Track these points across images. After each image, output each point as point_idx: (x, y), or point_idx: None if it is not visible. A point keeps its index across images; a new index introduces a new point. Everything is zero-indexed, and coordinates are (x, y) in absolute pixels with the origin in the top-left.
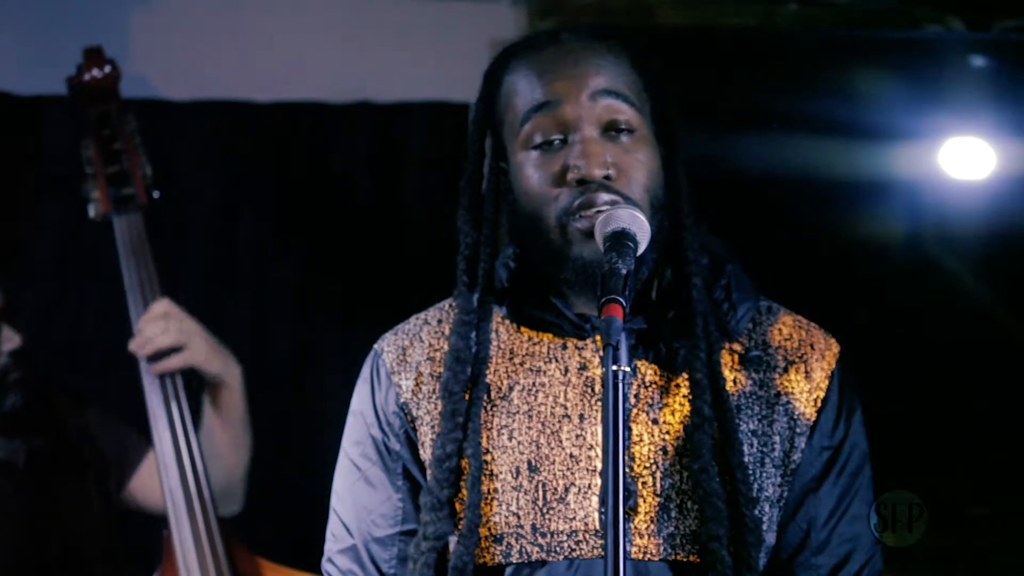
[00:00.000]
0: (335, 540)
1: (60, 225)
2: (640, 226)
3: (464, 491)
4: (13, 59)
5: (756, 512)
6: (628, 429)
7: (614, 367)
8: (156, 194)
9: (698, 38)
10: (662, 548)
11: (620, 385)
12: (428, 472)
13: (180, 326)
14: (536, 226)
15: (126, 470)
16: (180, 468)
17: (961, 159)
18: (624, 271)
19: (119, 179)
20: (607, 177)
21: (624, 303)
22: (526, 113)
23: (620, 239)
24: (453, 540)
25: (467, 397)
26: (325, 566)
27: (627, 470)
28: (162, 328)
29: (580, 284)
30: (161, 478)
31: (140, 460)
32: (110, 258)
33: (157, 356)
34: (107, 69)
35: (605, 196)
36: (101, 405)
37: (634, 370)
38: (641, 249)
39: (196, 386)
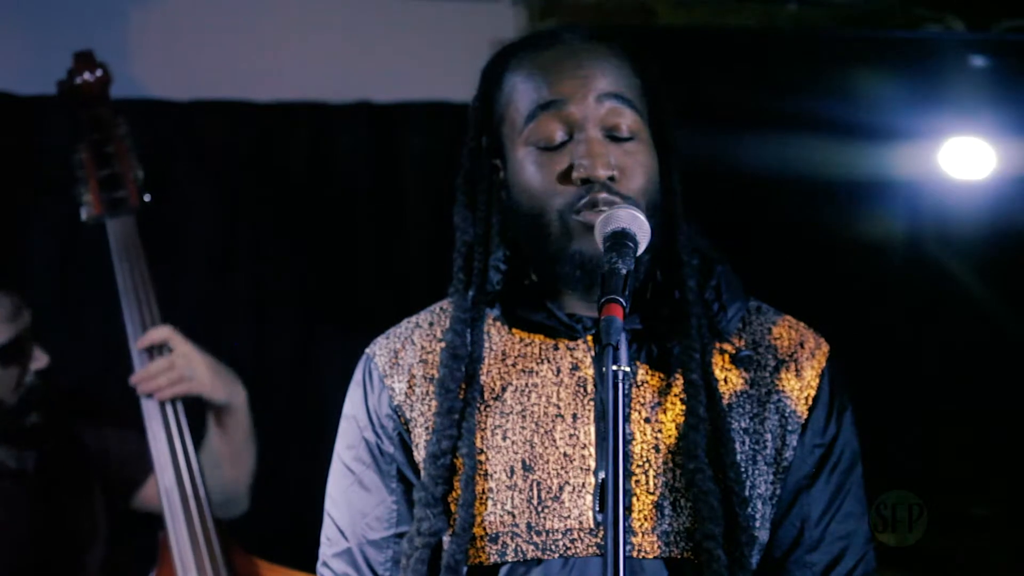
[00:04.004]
0: (330, 544)
1: (61, 224)
2: (640, 226)
3: (458, 489)
4: (13, 59)
5: (748, 511)
6: (623, 428)
7: (614, 367)
8: (147, 197)
9: (698, 38)
10: (657, 546)
11: (620, 385)
12: (422, 470)
13: (183, 361)
14: (535, 222)
15: (139, 477)
16: (176, 468)
17: (961, 159)
18: (624, 271)
19: (111, 182)
20: (611, 178)
21: (624, 303)
22: (532, 111)
23: (620, 239)
24: (446, 540)
25: (462, 396)
26: (320, 570)
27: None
28: (165, 365)
29: (578, 279)
30: (157, 478)
31: (152, 468)
32: (111, 258)
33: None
34: (98, 73)
35: (607, 197)
36: (119, 414)
37: (633, 370)
38: (641, 249)
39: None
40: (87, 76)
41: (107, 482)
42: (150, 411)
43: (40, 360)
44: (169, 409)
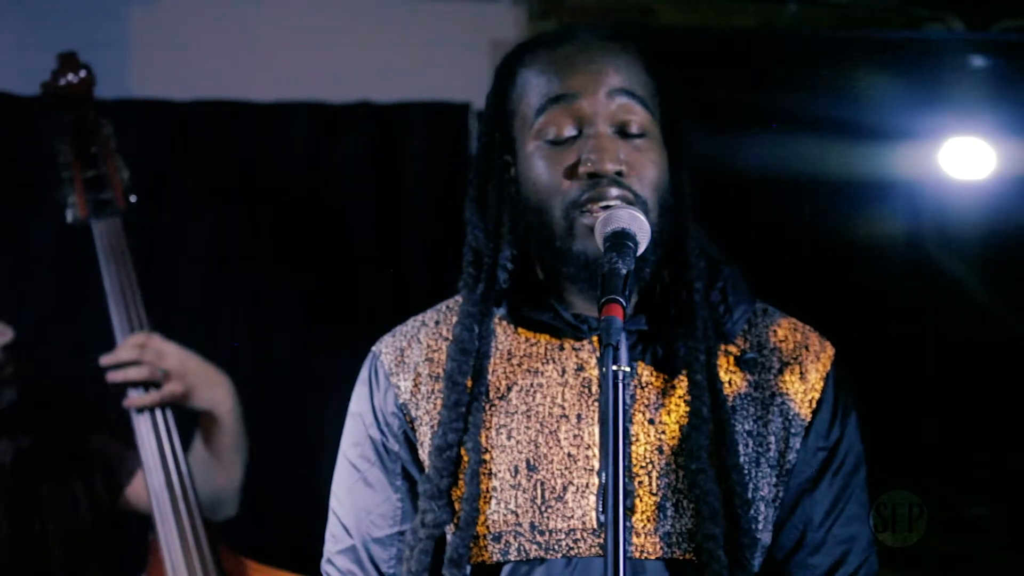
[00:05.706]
0: (334, 541)
1: (62, 224)
2: (640, 226)
3: (463, 486)
4: (13, 59)
5: (751, 513)
6: (626, 429)
7: (614, 367)
8: (134, 198)
9: (698, 38)
10: (659, 547)
11: (620, 385)
12: (427, 463)
13: (158, 360)
14: (541, 218)
15: (123, 476)
16: (165, 471)
17: (961, 159)
18: (624, 271)
19: (97, 184)
20: (619, 173)
21: (624, 303)
22: (542, 105)
23: (620, 239)
24: (449, 536)
25: (469, 391)
26: (325, 567)
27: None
28: (135, 356)
29: (582, 280)
30: (146, 480)
31: (136, 468)
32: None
33: (134, 387)
34: (82, 74)
35: (615, 191)
36: (103, 412)
37: (633, 370)
38: (641, 249)
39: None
40: (71, 77)
41: (91, 483)
42: (138, 415)
43: (4, 335)
44: (158, 412)
